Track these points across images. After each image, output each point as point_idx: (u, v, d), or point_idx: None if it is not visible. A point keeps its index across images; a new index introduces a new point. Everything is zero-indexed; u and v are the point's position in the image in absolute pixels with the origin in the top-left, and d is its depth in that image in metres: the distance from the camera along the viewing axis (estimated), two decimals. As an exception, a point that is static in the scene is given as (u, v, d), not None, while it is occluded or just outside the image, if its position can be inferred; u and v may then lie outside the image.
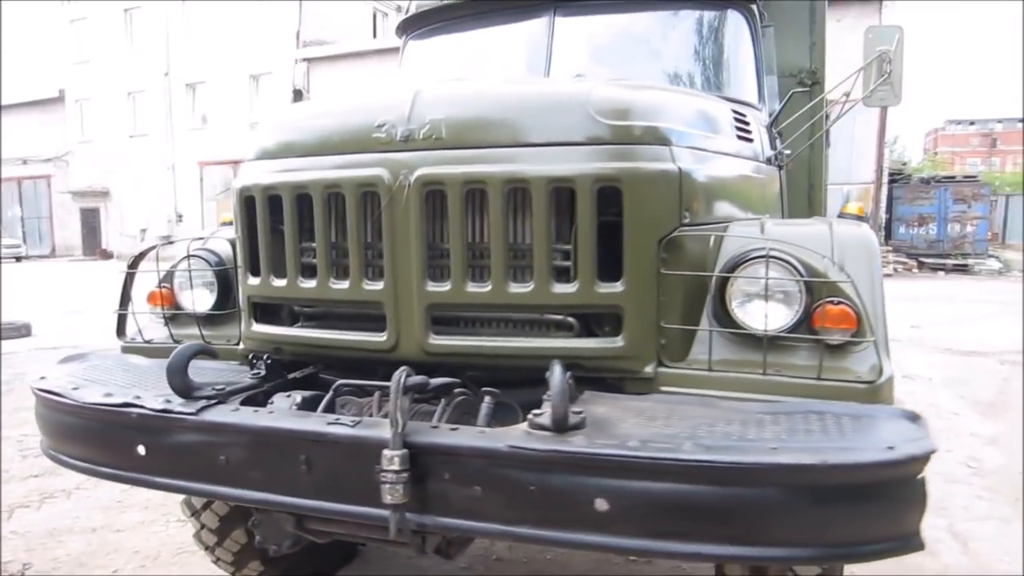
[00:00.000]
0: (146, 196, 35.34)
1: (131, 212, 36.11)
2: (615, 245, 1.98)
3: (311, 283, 2.18)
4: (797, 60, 4.14)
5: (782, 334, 1.96)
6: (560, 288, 1.97)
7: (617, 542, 1.57)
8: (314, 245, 2.20)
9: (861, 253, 2.06)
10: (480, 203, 2.03)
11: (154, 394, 2.03)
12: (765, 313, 1.93)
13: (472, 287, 2.01)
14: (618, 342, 1.98)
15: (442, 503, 1.67)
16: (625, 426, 1.68)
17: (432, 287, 2.03)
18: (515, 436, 1.64)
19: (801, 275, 1.95)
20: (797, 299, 1.96)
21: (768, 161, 3.04)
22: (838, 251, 2.03)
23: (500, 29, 3.60)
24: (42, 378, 2.25)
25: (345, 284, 2.13)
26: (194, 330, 2.58)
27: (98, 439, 2.05)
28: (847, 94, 3.14)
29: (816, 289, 1.96)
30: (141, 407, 1.94)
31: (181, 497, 2.97)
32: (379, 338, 2.11)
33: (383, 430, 1.72)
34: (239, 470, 1.85)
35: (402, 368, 1.75)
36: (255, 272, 2.32)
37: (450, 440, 1.67)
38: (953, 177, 27.23)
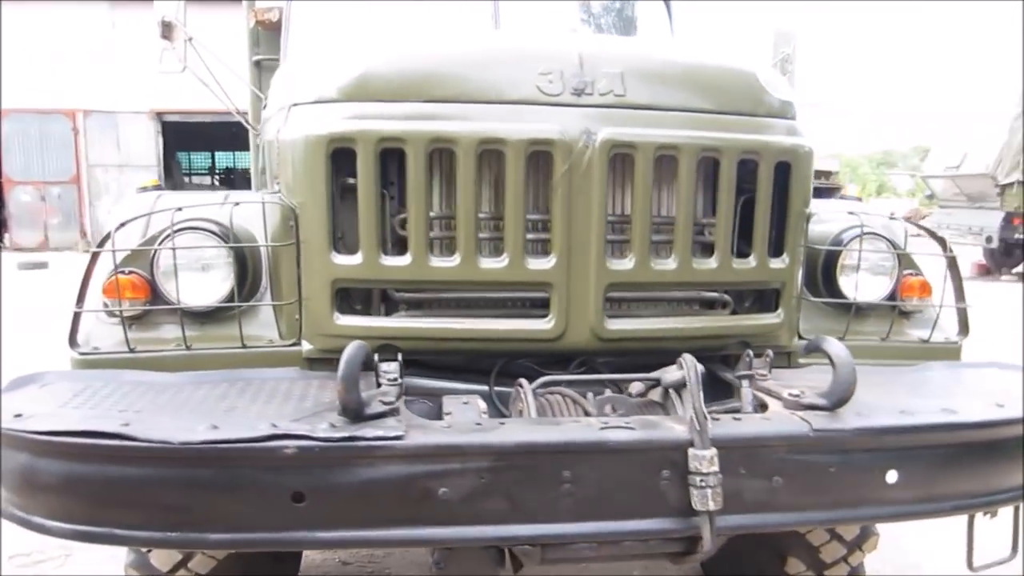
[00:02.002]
0: None
1: None
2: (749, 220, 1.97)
3: (450, 262, 1.75)
4: None
5: (877, 303, 2.18)
6: (739, 264, 1.90)
7: (907, 509, 1.62)
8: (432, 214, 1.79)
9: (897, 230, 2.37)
10: (659, 170, 1.85)
11: (289, 418, 1.45)
12: (890, 284, 2.16)
13: (657, 264, 1.83)
14: (780, 316, 1.99)
15: (736, 500, 1.51)
16: (869, 399, 1.71)
17: (614, 264, 1.80)
18: (809, 419, 1.56)
19: (897, 250, 2.19)
20: (893, 272, 2.19)
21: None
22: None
23: None
24: (17, 415, 1.44)
25: (501, 262, 1.76)
26: (180, 331, 1.87)
27: (209, 493, 1.39)
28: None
29: (901, 262, 2.21)
30: (308, 438, 1.37)
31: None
32: (542, 325, 1.80)
33: (668, 430, 1.50)
34: (468, 502, 1.43)
35: (689, 357, 1.54)
36: (345, 249, 1.78)
37: (751, 430, 1.53)
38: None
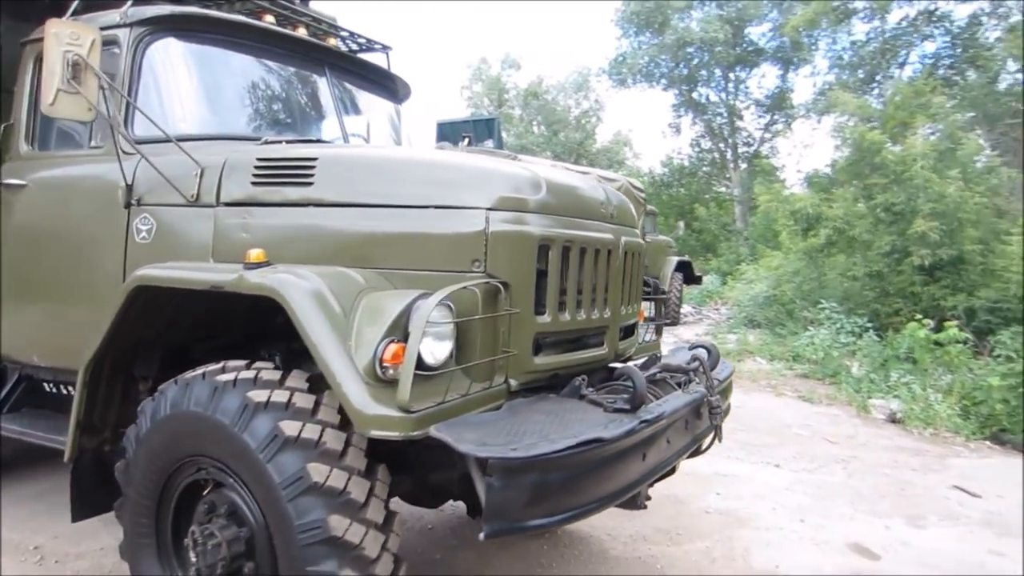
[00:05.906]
0: None
1: None
2: None
3: (582, 315, 2.83)
4: None
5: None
6: (639, 308, 3.52)
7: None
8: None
9: None
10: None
11: (610, 420, 2.40)
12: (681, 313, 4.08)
13: (629, 311, 3.29)
14: (637, 338, 3.68)
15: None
16: None
17: (622, 311, 3.18)
18: (711, 385, 3.32)
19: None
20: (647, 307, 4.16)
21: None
22: None
23: (280, 67, 3.69)
24: (514, 448, 2.03)
25: (598, 313, 2.94)
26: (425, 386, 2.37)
27: (616, 464, 2.28)
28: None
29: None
30: (649, 422, 2.42)
31: None
32: (603, 351, 3.04)
33: (700, 389, 3.03)
34: (673, 442, 2.70)
35: (702, 352, 3.09)
36: (541, 312, 2.63)
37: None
38: None
